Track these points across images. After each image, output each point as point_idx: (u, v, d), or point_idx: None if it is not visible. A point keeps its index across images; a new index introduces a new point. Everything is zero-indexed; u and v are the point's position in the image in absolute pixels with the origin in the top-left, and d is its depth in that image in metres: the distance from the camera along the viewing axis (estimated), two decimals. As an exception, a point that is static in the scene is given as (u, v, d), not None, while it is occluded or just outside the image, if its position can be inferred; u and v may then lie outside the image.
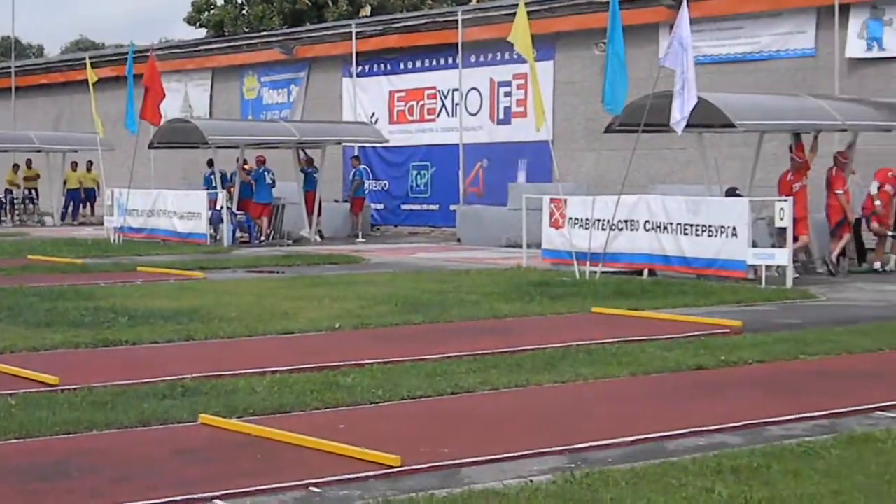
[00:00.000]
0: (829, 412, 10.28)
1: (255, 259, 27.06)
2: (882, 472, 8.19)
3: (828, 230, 23.80)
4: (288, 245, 32.28)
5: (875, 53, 28.50)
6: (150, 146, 35.19)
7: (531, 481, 8.04)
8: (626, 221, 22.73)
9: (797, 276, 21.65)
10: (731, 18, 31.16)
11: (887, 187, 23.92)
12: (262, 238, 32.98)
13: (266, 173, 33.14)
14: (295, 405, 10.58)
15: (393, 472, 8.30)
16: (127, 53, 36.58)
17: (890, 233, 24.06)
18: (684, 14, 21.00)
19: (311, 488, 7.99)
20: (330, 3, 51.04)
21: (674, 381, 11.99)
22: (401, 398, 10.94)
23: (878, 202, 23.85)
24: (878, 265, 23.89)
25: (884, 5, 28.34)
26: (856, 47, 28.67)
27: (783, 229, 21.32)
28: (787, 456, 8.64)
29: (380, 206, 39.68)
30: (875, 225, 24.05)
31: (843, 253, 23.63)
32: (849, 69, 28.87)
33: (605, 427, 9.68)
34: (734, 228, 21.20)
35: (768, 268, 21.16)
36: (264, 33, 46.75)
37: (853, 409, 10.45)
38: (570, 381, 11.83)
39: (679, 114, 20.65)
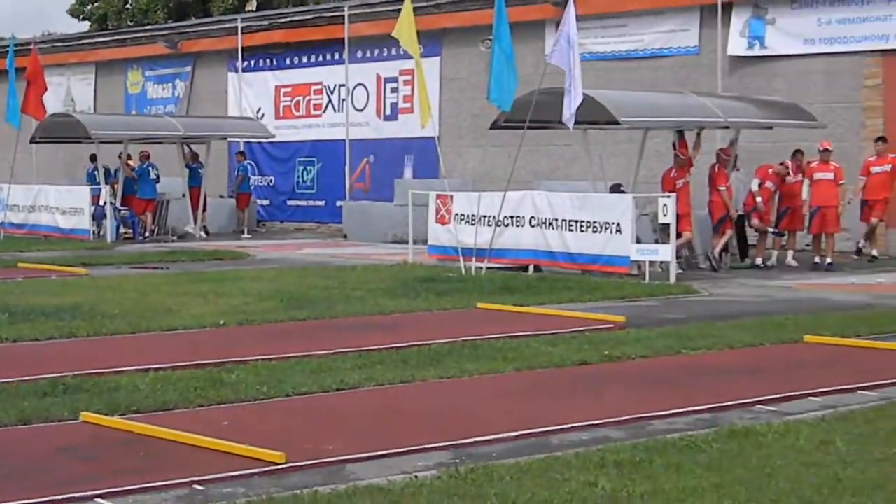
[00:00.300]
0: (710, 406, 10.41)
1: (139, 255, 26.78)
2: (762, 465, 8.30)
3: (710, 226, 24.08)
4: (172, 241, 31.99)
5: (757, 52, 28.87)
6: (32, 140, 34.69)
7: (416, 477, 8.05)
8: (511, 217, 22.83)
9: (680, 271, 21.89)
10: (615, 16, 31.37)
11: (768, 184, 24.28)
12: (147, 234, 32.64)
13: (150, 169, 32.82)
14: (179, 402, 10.49)
15: (277, 469, 8.27)
16: (8, 46, 36.02)
17: (771, 229, 24.42)
18: (571, 11, 21.12)
19: (195, 486, 7.93)
20: (215, -3, 50.68)
21: (558, 376, 12.06)
22: (285, 395, 10.90)
23: (758, 199, 24.19)
24: (759, 261, 24.22)
25: (766, 4, 28.70)
26: (738, 45, 29.02)
27: (666, 225, 21.55)
28: (669, 450, 8.73)
29: (266, 202, 39.46)
30: (756, 221, 24.38)
31: (725, 249, 23.92)
32: (731, 67, 29.22)
33: (489, 422, 9.71)
34: (618, 224, 21.39)
35: (652, 263, 21.36)
36: (148, 27, 46.30)
37: (734, 403, 10.58)
38: (455, 377, 11.86)
39: (568, 111, 20.80)
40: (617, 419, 9.88)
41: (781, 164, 24.38)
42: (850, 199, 24.65)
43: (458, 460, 8.57)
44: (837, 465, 8.29)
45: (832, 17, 27.75)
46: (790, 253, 24.60)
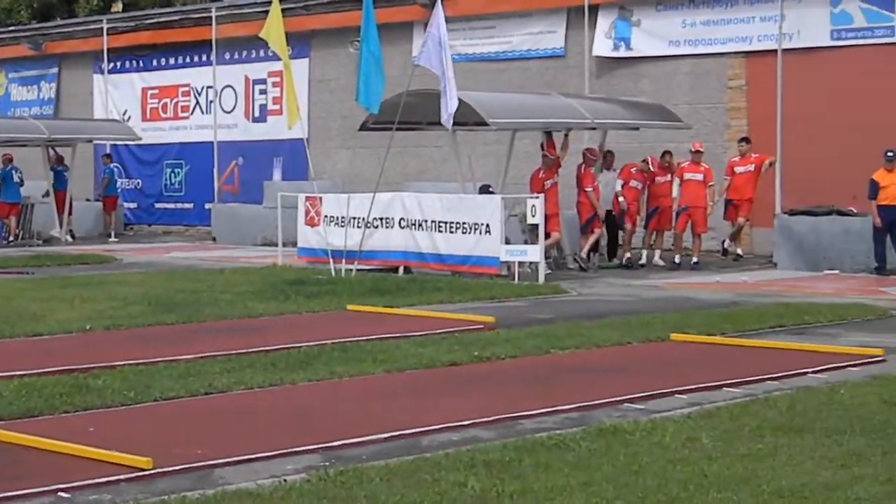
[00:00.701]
0: (579, 405, 10.48)
1: (3, 260, 26.32)
2: (630, 462, 8.38)
3: (579, 227, 24.29)
4: (38, 245, 31.52)
5: (622, 53, 29.17)
6: None
7: (285, 480, 8.00)
8: (381, 219, 22.84)
9: (549, 271, 22.05)
10: (483, 18, 31.51)
11: (633, 183, 24.51)
12: (11, 238, 32.12)
13: (13, 172, 32.30)
14: (44, 409, 10.32)
15: (144, 475, 8.16)
16: None
17: (627, 228, 24.58)
18: (439, 13, 21.19)
19: (60, 493, 7.81)
20: (80, -2, 49.99)
21: (428, 377, 12.07)
22: (153, 399, 10.77)
23: (621, 199, 24.40)
24: (625, 260, 24.46)
25: (632, 6, 29.02)
26: (603, 47, 29.29)
27: (535, 226, 21.69)
28: (538, 449, 8.77)
29: (133, 205, 39.02)
30: (628, 226, 24.61)
31: (594, 249, 24.14)
32: (598, 69, 29.48)
33: (359, 424, 9.68)
34: (488, 225, 21.49)
35: (521, 264, 21.49)
36: (12, 28, 45.49)
37: (602, 401, 10.67)
38: (324, 379, 11.82)
39: (446, 113, 20.88)
40: (486, 419, 9.90)
41: (643, 161, 24.64)
42: (717, 200, 24.99)
43: (327, 463, 8.54)
44: (703, 461, 8.39)
45: (696, 20, 28.14)
46: (657, 252, 24.90)
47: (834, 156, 25.65)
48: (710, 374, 11.95)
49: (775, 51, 25.36)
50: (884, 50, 25.82)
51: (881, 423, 9.56)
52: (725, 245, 25.55)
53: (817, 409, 10.13)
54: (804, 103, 25.64)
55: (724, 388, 11.36)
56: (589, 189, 23.86)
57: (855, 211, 23.75)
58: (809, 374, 12.10)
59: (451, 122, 21.12)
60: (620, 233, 24.97)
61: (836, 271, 23.16)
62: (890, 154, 22.59)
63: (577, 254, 23.89)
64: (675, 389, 11.18)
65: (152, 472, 8.20)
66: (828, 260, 23.55)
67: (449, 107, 20.82)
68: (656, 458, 8.47)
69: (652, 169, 24.50)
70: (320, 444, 9.00)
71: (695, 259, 24.31)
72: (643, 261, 24.62)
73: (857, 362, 12.74)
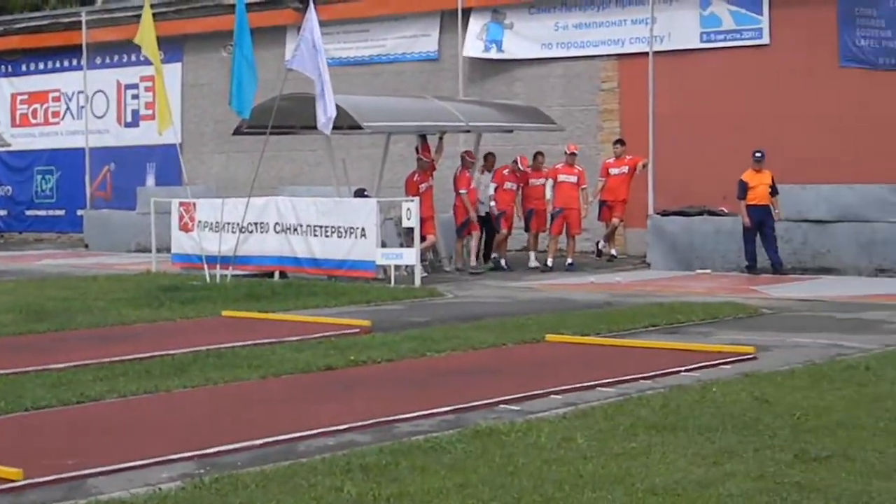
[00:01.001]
0: (455, 407, 10.49)
1: None
2: (506, 463, 8.40)
3: (455, 229, 24.37)
4: None
5: (494, 55, 29.29)
6: None
7: (160, 489, 7.91)
8: (256, 224, 22.72)
9: (425, 274, 22.10)
10: (357, 22, 31.49)
11: (507, 185, 24.59)
12: None
13: None
14: (-90, 421, 10.13)
15: (14, 487, 8.02)
16: None
17: (502, 231, 24.66)
18: (312, 17, 21.11)
19: (-73, 507, 7.67)
20: (-54, 2, 49.11)
21: (304, 382, 12.03)
22: (24, 409, 10.59)
23: (492, 203, 24.46)
24: (502, 261, 24.56)
25: (504, 10, 29.19)
26: (474, 48, 29.39)
27: (411, 229, 21.72)
28: (414, 452, 8.76)
29: (3, 213, 38.42)
30: (504, 230, 24.70)
31: (478, 252, 24.27)
32: (472, 72, 29.60)
33: (235, 431, 9.60)
34: (363, 229, 21.49)
35: (397, 267, 21.50)
36: None
37: (478, 403, 10.68)
38: (200, 386, 11.71)
39: (324, 117, 20.78)
40: (363, 423, 9.87)
41: (513, 161, 24.74)
42: (591, 201, 25.19)
43: (202, 470, 8.45)
44: (578, 460, 8.44)
45: (569, 23, 28.39)
46: (532, 254, 25.03)
47: (705, 157, 26.03)
48: (585, 375, 12.03)
49: (647, 53, 25.64)
50: (752, 52, 26.24)
51: (752, 420, 9.69)
52: (600, 246, 25.77)
53: (690, 408, 10.24)
54: (675, 105, 26.00)
55: (599, 388, 11.45)
56: (463, 192, 23.92)
57: (726, 211, 24.10)
58: (682, 373, 12.23)
59: (330, 126, 21.04)
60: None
61: (709, 271, 23.48)
62: (758, 154, 22.94)
63: (466, 264, 23.93)
64: (550, 390, 11.24)
65: (23, 483, 8.06)
66: (700, 259, 23.87)
67: (328, 111, 20.74)
68: (532, 459, 8.51)
69: (521, 168, 24.58)
70: (195, 452, 8.91)
71: (569, 260, 24.50)
72: (533, 263, 24.72)
73: (729, 360, 12.90)
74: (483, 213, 24.42)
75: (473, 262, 23.96)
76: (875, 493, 7.56)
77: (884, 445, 8.78)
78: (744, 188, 22.87)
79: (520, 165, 24.57)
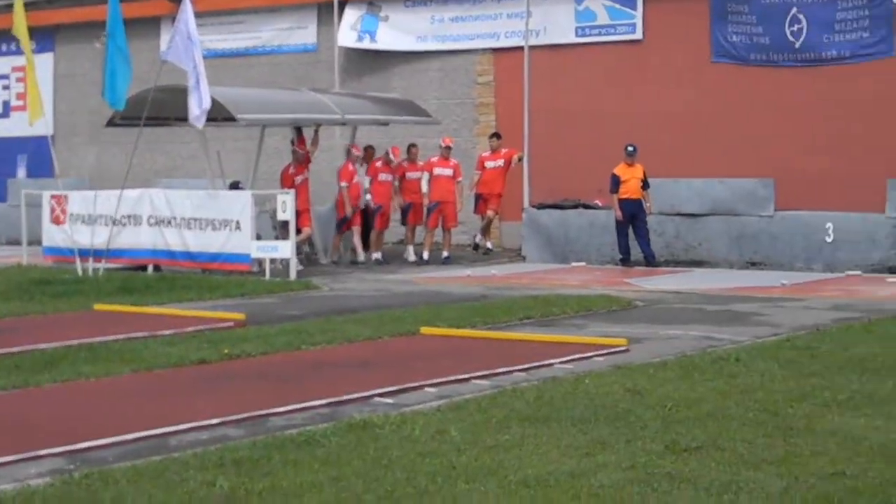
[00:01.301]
0: (329, 401, 10.47)
1: None
2: (380, 456, 8.41)
3: (332, 222, 24.33)
4: None
5: (366, 44, 29.21)
6: None
7: (28, 485, 7.80)
8: (129, 217, 22.49)
9: (301, 267, 22.03)
10: (233, 13, 31.29)
11: (382, 177, 24.53)
12: None
13: None
14: None
15: None
16: None
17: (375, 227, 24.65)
18: (187, 8, 20.93)
19: None
20: None
21: (177, 376, 11.93)
22: None
23: (367, 196, 24.39)
24: (376, 256, 24.53)
25: (380, 2, 29.16)
26: (348, 38, 29.28)
27: (286, 222, 21.63)
28: (288, 446, 8.74)
29: None
30: (376, 227, 24.66)
31: (366, 245, 24.30)
32: (349, 64, 29.52)
33: (106, 426, 9.49)
34: (238, 222, 21.39)
35: (272, 260, 21.41)
36: None
37: (352, 396, 10.68)
38: (71, 381, 11.56)
39: (198, 109, 20.59)
40: (236, 417, 9.82)
41: (386, 153, 24.71)
42: (467, 194, 25.27)
43: (73, 466, 8.35)
44: (452, 453, 8.47)
45: (445, 16, 28.44)
46: (409, 248, 25.03)
47: (580, 150, 26.22)
48: (460, 367, 12.06)
49: (522, 47, 25.75)
50: (626, 46, 26.49)
51: (624, 411, 9.80)
52: (477, 240, 25.85)
53: (563, 399, 10.32)
54: (551, 99, 26.16)
55: (473, 381, 11.49)
56: (343, 184, 23.89)
57: (600, 204, 24.32)
58: (556, 365, 12.31)
59: (204, 119, 20.87)
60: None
61: (583, 263, 23.68)
62: (630, 149, 23.15)
63: (342, 258, 23.92)
64: (424, 383, 11.26)
65: None
66: (575, 253, 24.06)
67: (202, 103, 20.56)
68: (406, 452, 8.52)
69: (393, 159, 24.55)
70: (66, 447, 8.80)
71: (445, 253, 24.55)
72: (410, 257, 24.70)
73: (602, 353, 13.02)
74: (363, 206, 24.37)
75: (362, 257, 24.00)
76: (743, 482, 7.67)
77: (752, 435, 8.91)
78: (616, 182, 23.07)
79: (392, 157, 24.54)
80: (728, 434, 8.96)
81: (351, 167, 24.13)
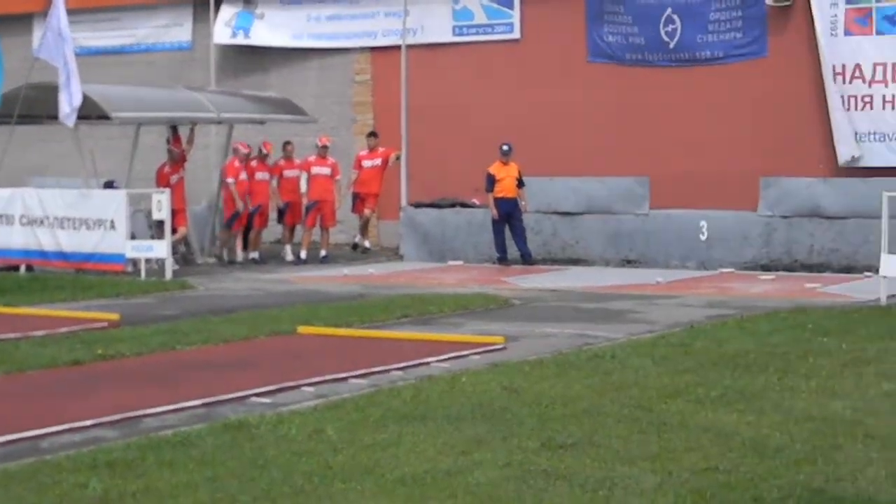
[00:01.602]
0: (205, 401, 10.39)
1: None
2: (256, 456, 8.36)
3: (207, 220, 24.17)
4: None
5: (240, 40, 29.00)
6: None
7: None
8: (0, 216, 22.12)
9: (177, 267, 21.83)
10: (107, 10, 30.91)
11: (259, 175, 24.36)
12: None
13: None
14: None
15: None
16: None
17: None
18: (59, 4, 20.68)
19: None
20: None
21: (49, 377, 11.75)
22: None
23: (236, 197, 24.19)
24: (254, 255, 24.37)
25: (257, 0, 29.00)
26: (223, 34, 29.05)
27: (161, 221, 21.44)
28: (162, 447, 8.64)
29: None
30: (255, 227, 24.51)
31: (244, 245, 24.16)
32: (225, 63, 29.30)
33: (-24, 428, 9.34)
34: (112, 222, 21.17)
35: (148, 260, 21.20)
36: None
37: (229, 396, 10.61)
38: (-61, 383, 11.37)
39: (68, 107, 20.33)
40: (110, 419, 9.70)
41: (259, 150, 24.48)
42: (344, 193, 25.21)
43: (-59, 470, 8.20)
44: (329, 452, 8.44)
45: (322, 14, 28.34)
46: (287, 247, 24.88)
47: (458, 149, 26.27)
48: (337, 366, 12.03)
49: (400, 46, 25.74)
50: (504, 46, 26.59)
51: (501, 409, 9.83)
52: (355, 239, 25.79)
53: (440, 398, 10.34)
54: (428, 98, 26.18)
55: (351, 380, 11.48)
56: (230, 181, 23.76)
57: (477, 203, 24.41)
58: (433, 364, 12.34)
59: (75, 116, 20.60)
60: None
61: (461, 262, 23.75)
62: (505, 148, 23.25)
63: (230, 256, 23.85)
64: (301, 382, 11.22)
65: None
66: (452, 251, 24.12)
67: (73, 100, 20.32)
68: (282, 451, 8.48)
69: (265, 152, 24.41)
70: (-67, 451, 8.65)
71: (323, 252, 24.48)
72: (288, 256, 24.56)
73: (479, 351, 13.07)
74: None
75: (240, 256, 23.90)
76: (618, 478, 7.74)
77: (627, 432, 8.99)
78: (491, 181, 23.16)
79: (263, 150, 24.38)
80: (603, 431, 9.03)
81: (237, 164, 23.99)
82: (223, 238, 24.22)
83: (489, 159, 23.51)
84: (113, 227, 21.14)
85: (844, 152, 23.26)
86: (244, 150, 24.16)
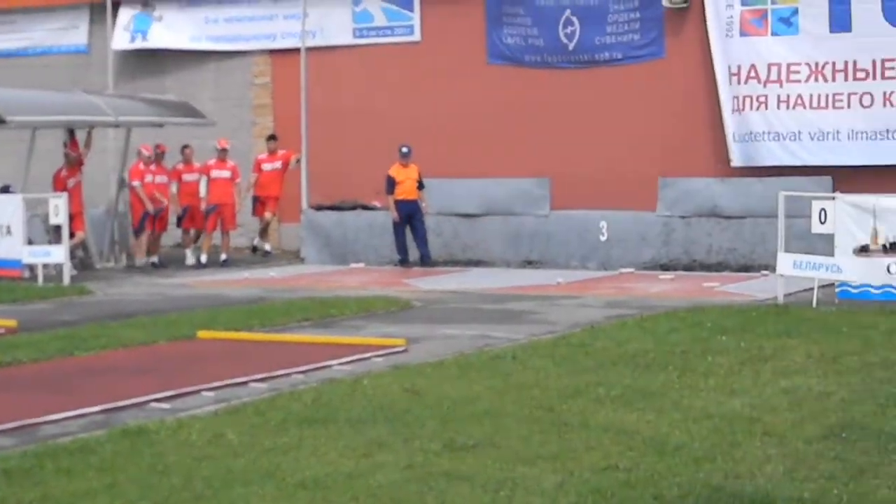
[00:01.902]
0: (103, 408, 10.28)
1: None
2: (155, 462, 8.29)
3: (106, 225, 23.97)
4: None
5: (139, 44, 28.77)
6: None
7: None
8: None
9: (75, 272, 21.61)
10: (3, 13, 30.52)
11: (157, 178, 24.21)
12: None
13: None
14: None
15: None
16: None
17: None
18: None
19: None
20: None
21: (-56, 385, 11.59)
22: None
23: (143, 198, 24.00)
24: (147, 259, 24.17)
25: (154, 2, 28.75)
26: (121, 39, 28.82)
27: (59, 226, 21.21)
28: (60, 454, 8.54)
29: None
30: (147, 229, 24.28)
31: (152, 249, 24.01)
32: (123, 66, 29.03)
33: None
34: (8, 227, 20.97)
35: (45, 265, 20.97)
36: None
37: (128, 402, 10.51)
38: None
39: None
40: (7, 426, 9.56)
41: (137, 153, 24.37)
42: (244, 196, 25.09)
43: None
44: (229, 457, 8.40)
45: (220, 16, 28.17)
46: (188, 251, 24.72)
47: (358, 152, 26.22)
48: (237, 370, 11.96)
49: (299, 49, 25.66)
50: (404, 48, 26.59)
51: (402, 411, 9.83)
52: (255, 243, 25.68)
53: (341, 401, 10.32)
54: (329, 100, 26.15)
55: (251, 384, 11.42)
56: (136, 184, 23.59)
57: (378, 205, 24.39)
58: (335, 367, 12.31)
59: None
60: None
61: (362, 265, 23.73)
62: (404, 150, 23.28)
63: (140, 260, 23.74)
64: (201, 387, 11.15)
65: None
66: (354, 254, 24.10)
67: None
68: (182, 457, 8.42)
69: (145, 154, 24.24)
70: None
71: (223, 256, 24.35)
72: (189, 260, 24.40)
73: (381, 353, 13.05)
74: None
75: (139, 261, 23.73)
76: (519, 478, 7.77)
77: (528, 432, 9.03)
78: (391, 183, 23.18)
79: (143, 152, 24.18)
80: (504, 431, 9.07)
81: (141, 167, 23.83)
82: (149, 242, 24.08)
83: (389, 161, 23.52)
84: (9, 232, 20.91)
85: (737, 153, 23.43)
86: (146, 153, 24.00)
